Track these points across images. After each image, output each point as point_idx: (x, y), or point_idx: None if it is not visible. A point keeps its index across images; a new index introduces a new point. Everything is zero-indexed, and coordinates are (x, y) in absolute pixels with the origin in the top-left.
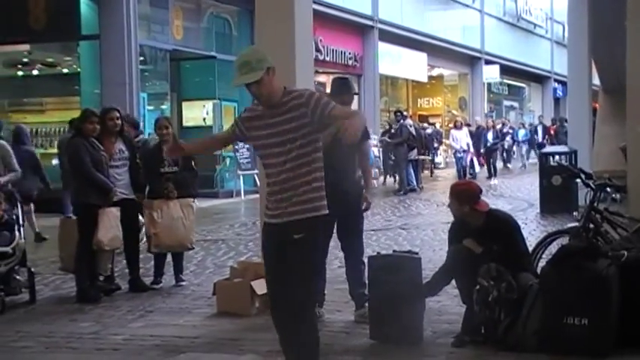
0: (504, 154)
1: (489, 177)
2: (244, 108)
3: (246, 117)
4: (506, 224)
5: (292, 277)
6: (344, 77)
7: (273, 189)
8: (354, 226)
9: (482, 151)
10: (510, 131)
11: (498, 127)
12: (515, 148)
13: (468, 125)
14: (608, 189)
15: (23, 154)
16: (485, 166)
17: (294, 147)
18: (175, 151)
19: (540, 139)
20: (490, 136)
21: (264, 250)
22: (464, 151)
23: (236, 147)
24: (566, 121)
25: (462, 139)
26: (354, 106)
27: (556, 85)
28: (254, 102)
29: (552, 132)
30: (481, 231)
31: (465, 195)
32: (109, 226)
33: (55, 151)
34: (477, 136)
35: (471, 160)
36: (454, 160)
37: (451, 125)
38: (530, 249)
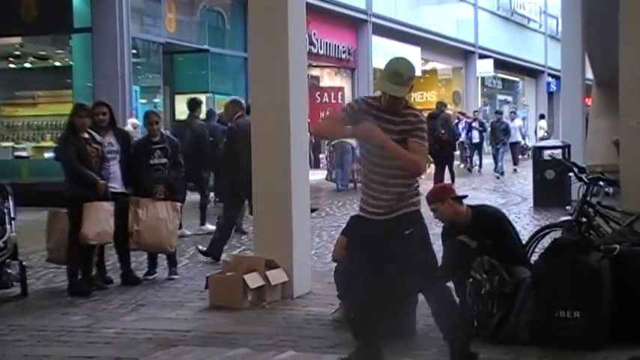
0: (467, 152)
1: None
2: (359, 98)
3: (365, 109)
4: (494, 218)
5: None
6: None
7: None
8: None
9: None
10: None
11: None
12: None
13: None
14: (601, 183)
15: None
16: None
17: None
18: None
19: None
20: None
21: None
22: None
23: None
24: (500, 114)
25: None
26: (347, 100)
27: (550, 79)
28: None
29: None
30: (471, 229)
31: (440, 193)
32: (97, 220)
33: (47, 144)
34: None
35: None
36: None
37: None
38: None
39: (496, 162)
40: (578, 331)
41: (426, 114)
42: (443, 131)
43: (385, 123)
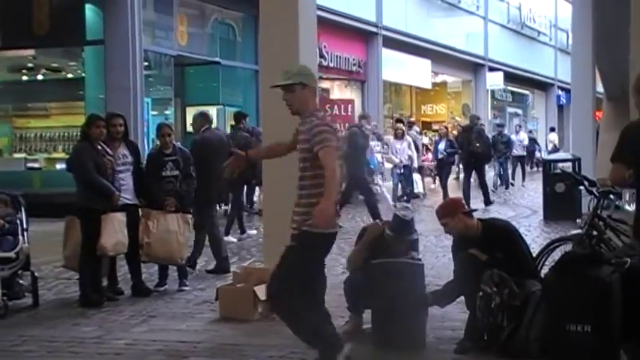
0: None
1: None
2: None
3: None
4: (504, 231)
5: None
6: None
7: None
8: None
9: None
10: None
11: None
12: None
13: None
14: (612, 196)
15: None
16: (438, 183)
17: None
18: (238, 162)
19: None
20: (442, 146)
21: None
22: (404, 166)
23: None
24: (501, 127)
25: (403, 150)
26: (357, 112)
27: (560, 92)
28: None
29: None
30: (481, 242)
31: (451, 207)
32: (113, 231)
33: (59, 155)
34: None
35: (410, 176)
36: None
37: (391, 135)
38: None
39: (500, 177)
40: (589, 344)
41: (437, 127)
42: (478, 144)
43: (298, 134)
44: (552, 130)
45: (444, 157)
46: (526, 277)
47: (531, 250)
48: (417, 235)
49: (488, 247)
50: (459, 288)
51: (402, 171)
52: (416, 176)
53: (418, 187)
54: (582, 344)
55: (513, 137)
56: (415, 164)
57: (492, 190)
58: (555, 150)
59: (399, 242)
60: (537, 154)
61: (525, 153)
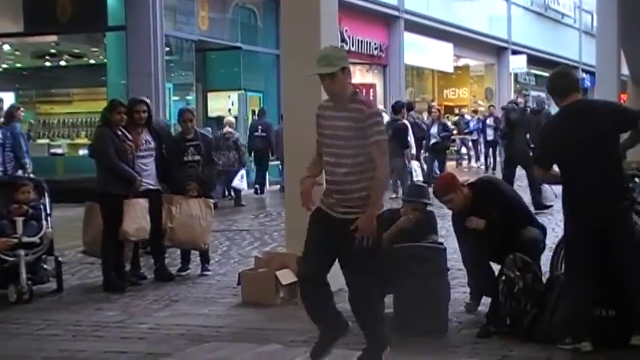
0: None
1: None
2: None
3: (317, 116)
4: (491, 186)
5: None
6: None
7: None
8: None
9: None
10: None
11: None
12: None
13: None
14: (637, 180)
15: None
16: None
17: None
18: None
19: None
20: (435, 130)
21: None
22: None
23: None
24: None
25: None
26: (379, 96)
27: (584, 75)
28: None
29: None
30: (475, 207)
31: (452, 182)
32: (136, 216)
33: (82, 141)
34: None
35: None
36: None
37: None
38: (556, 243)
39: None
40: (614, 328)
41: (477, 111)
42: None
43: (330, 120)
44: None
45: (438, 141)
46: (526, 225)
47: (554, 237)
48: (431, 204)
49: (482, 208)
50: (472, 269)
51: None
52: (414, 163)
53: (418, 175)
54: (608, 328)
55: None
56: (413, 151)
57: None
58: None
59: (415, 211)
60: None
61: None
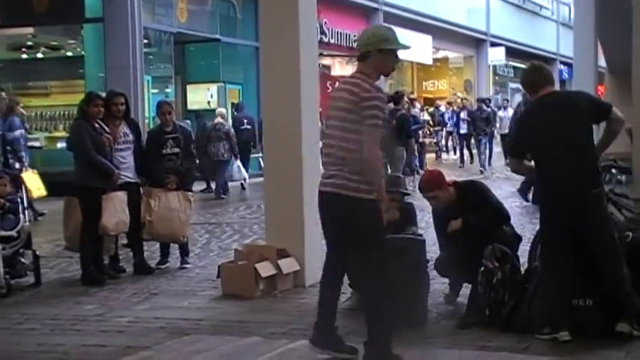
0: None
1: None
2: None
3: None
4: (477, 189)
5: None
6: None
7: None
8: None
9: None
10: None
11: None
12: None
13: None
14: (614, 170)
15: None
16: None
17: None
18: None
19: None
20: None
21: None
22: None
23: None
24: (487, 101)
25: None
26: None
27: (562, 67)
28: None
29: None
30: (457, 205)
31: (439, 178)
32: (115, 210)
33: (60, 134)
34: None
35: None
36: None
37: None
38: (534, 233)
39: (479, 155)
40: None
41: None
42: None
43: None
44: None
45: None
46: (503, 225)
47: (531, 228)
48: (409, 194)
49: (462, 208)
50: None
51: None
52: None
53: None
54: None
55: (501, 113)
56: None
57: (480, 171)
58: None
59: (393, 202)
60: None
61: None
